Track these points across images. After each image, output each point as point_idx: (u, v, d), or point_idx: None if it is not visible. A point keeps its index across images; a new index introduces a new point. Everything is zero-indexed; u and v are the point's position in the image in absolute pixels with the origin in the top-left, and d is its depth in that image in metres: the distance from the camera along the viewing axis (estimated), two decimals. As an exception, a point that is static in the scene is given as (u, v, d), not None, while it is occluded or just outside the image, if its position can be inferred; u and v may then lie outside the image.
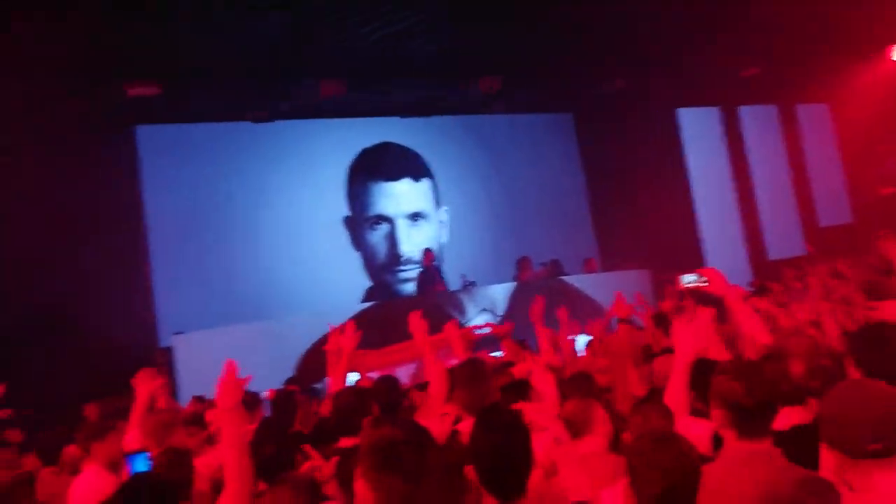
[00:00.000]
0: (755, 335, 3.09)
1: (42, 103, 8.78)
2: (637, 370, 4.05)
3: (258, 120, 10.61)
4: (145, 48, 8.53)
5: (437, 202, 12.31)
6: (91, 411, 5.69)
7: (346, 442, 3.23)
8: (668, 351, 3.72)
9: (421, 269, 10.79)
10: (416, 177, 12.21)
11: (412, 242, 11.85)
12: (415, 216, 12.05)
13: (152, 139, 10.52)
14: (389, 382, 4.63)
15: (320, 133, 11.57)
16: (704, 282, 3.40)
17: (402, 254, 11.79)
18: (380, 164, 12.00)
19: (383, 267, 11.75)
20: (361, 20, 8.78)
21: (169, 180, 10.43)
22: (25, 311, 8.55)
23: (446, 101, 11.49)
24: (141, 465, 3.36)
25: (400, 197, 12.04)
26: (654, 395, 3.11)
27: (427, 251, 10.71)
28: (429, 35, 9.48)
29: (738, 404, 2.15)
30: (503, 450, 2.00)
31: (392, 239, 11.84)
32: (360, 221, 11.78)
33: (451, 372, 3.39)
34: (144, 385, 3.89)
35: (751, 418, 2.15)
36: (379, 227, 11.84)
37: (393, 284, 11.73)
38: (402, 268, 11.74)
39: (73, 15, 7.47)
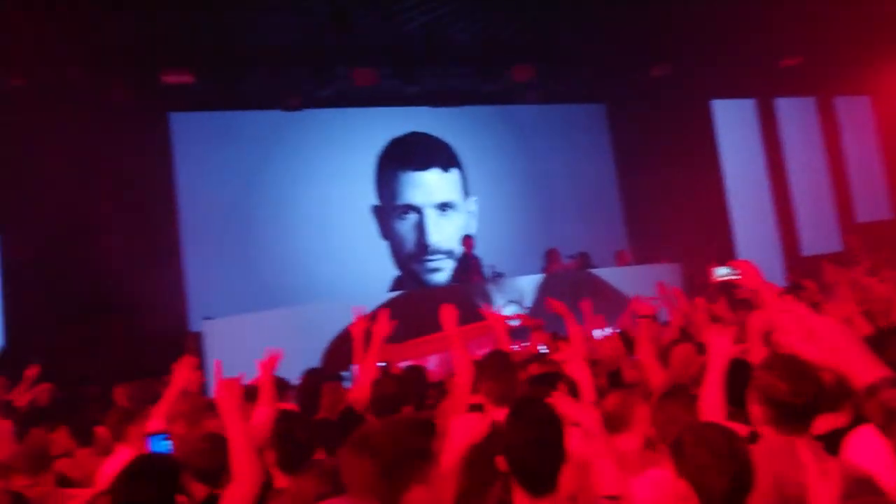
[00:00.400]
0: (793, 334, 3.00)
1: (78, 90, 8.92)
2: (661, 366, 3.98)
3: (291, 108, 10.66)
4: (180, 36, 8.62)
5: (467, 192, 12.26)
6: (120, 394, 5.75)
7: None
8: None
9: (460, 257, 10.72)
10: (446, 167, 12.17)
11: (441, 232, 11.83)
12: (443, 206, 12.02)
13: (186, 126, 10.62)
14: (417, 372, 4.63)
15: (351, 122, 11.58)
16: (738, 274, 3.30)
17: (430, 244, 11.77)
18: (409, 154, 11.98)
19: (411, 256, 11.75)
20: (395, 9, 8.77)
21: (202, 167, 10.54)
22: (60, 294, 8.73)
23: (478, 90, 11.42)
24: (159, 445, 3.36)
25: (429, 186, 12.02)
26: (677, 390, 3.05)
27: (466, 238, 10.62)
28: (462, 24, 9.43)
29: (783, 402, 2.09)
30: (537, 445, 1.98)
31: (420, 229, 11.83)
32: (389, 210, 11.79)
33: (478, 363, 3.37)
34: (184, 373, 3.81)
35: (795, 417, 2.10)
36: (407, 216, 11.84)
37: (421, 274, 11.73)
38: (430, 257, 11.73)
39: (109, 3, 7.56)
